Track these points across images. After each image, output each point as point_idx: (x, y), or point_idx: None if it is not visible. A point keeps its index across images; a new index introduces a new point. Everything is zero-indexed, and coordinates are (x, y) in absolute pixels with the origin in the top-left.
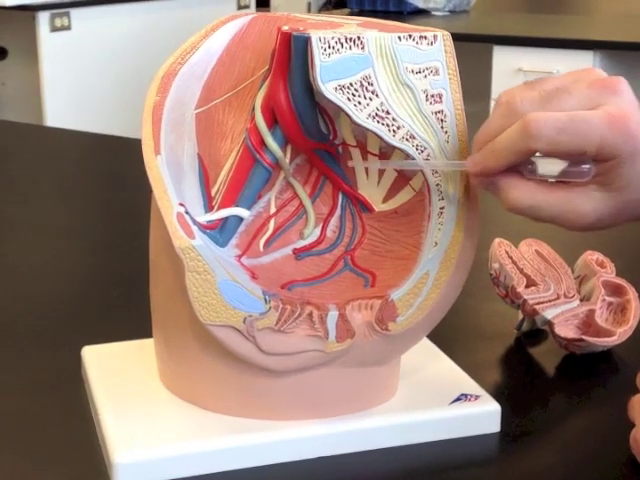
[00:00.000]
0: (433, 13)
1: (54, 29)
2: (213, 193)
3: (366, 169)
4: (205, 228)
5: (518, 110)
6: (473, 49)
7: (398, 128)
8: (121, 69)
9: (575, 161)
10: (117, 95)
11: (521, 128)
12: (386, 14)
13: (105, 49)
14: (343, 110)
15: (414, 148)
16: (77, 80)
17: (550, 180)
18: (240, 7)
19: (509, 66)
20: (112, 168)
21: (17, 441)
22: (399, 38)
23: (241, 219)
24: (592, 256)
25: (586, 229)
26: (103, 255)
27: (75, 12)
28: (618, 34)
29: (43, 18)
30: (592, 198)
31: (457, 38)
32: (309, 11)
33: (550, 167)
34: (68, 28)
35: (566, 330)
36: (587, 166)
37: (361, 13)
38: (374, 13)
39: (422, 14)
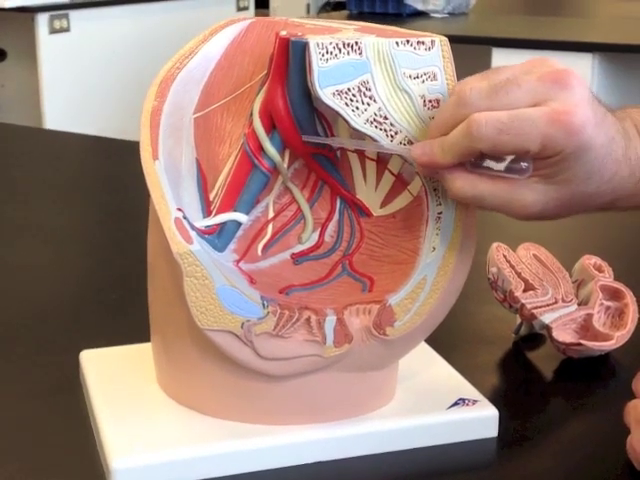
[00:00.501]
0: (432, 15)
1: (53, 31)
2: (211, 198)
3: (364, 174)
4: (203, 233)
5: (467, 101)
6: (472, 51)
7: (396, 133)
8: (120, 71)
9: (517, 157)
10: (116, 97)
11: (465, 129)
12: (385, 16)
13: (104, 51)
14: (341, 115)
15: None
16: (76, 82)
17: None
18: (239, 9)
19: None
20: (111, 171)
21: (15, 446)
22: (397, 43)
23: (239, 224)
24: (590, 260)
25: (531, 219)
26: (101, 258)
27: (74, 14)
28: (617, 36)
29: (42, 20)
30: (534, 190)
31: (456, 40)
32: (308, 12)
33: (493, 161)
34: (67, 30)
35: (564, 334)
36: (525, 164)
37: (360, 15)
38: (373, 15)
39: (421, 16)
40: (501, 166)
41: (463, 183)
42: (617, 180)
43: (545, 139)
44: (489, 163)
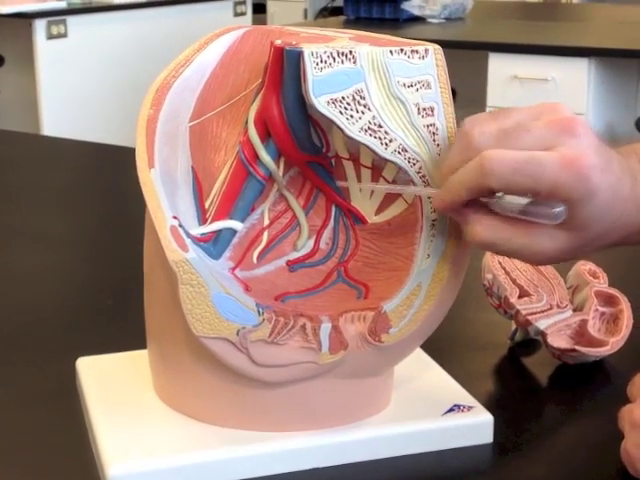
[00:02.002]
0: (429, 20)
1: (51, 37)
2: (207, 205)
3: (358, 180)
4: (199, 241)
5: (475, 145)
6: (469, 56)
7: (390, 141)
8: (117, 76)
9: (543, 201)
10: (113, 102)
11: (477, 165)
12: (382, 21)
13: (101, 57)
14: (335, 124)
15: (406, 161)
16: (73, 87)
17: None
18: (237, 14)
19: (505, 73)
20: (108, 177)
21: (11, 453)
22: (391, 52)
23: (235, 231)
24: (585, 266)
25: (546, 264)
26: (98, 264)
27: (72, 20)
28: (613, 41)
29: (40, 26)
30: (552, 237)
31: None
32: (306, 18)
33: (517, 200)
34: (65, 36)
35: (559, 340)
36: (559, 209)
37: (357, 20)
38: (370, 20)
39: (418, 21)
40: (519, 204)
41: (482, 228)
42: (625, 218)
43: (555, 183)
44: (510, 204)
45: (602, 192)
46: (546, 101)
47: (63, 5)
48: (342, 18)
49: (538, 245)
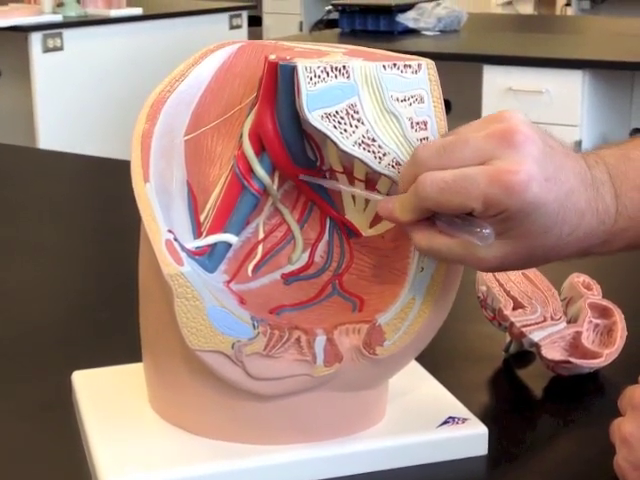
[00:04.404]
0: (423, 33)
1: (47, 50)
2: (202, 219)
3: (353, 195)
4: (194, 254)
5: (418, 160)
6: (463, 68)
7: (384, 155)
8: (114, 90)
9: (474, 222)
10: (109, 115)
11: (414, 188)
12: (377, 34)
13: (98, 70)
14: (329, 138)
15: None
16: (69, 100)
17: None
18: (232, 27)
19: (499, 85)
20: (103, 190)
21: (6, 466)
22: (384, 67)
23: (229, 245)
24: (578, 278)
25: (493, 271)
26: (94, 278)
27: (68, 33)
28: (607, 53)
29: (36, 39)
30: (490, 246)
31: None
32: (301, 30)
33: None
34: (61, 49)
35: (553, 352)
36: (487, 231)
37: (352, 33)
38: (365, 33)
39: (413, 34)
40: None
41: (421, 237)
42: (582, 231)
43: (486, 199)
44: (456, 220)
45: (547, 204)
46: (505, 111)
47: (59, 18)
48: (337, 31)
49: (477, 253)
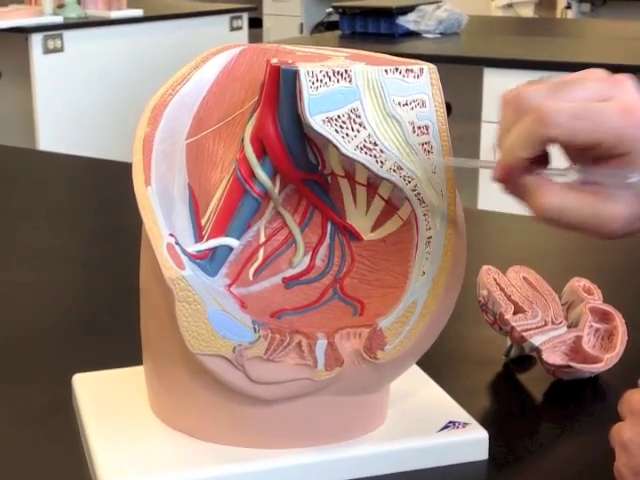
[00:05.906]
0: (424, 36)
1: (47, 51)
2: (203, 223)
3: (354, 199)
4: (195, 258)
5: (527, 103)
6: (464, 71)
7: (385, 159)
8: (114, 91)
9: (613, 168)
10: (110, 117)
11: (535, 117)
12: (378, 36)
13: (98, 71)
14: (331, 142)
15: (401, 179)
16: (70, 102)
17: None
18: (233, 29)
19: (500, 88)
20: (104, 192)
21: (7, 469)
22: (386, 71)
23: (231, 249)
24: (579, 282)
25: (612, 236)
26: (95, 280)
27: (68, 34)
28: (608, 56)
29: (36, 40)
30: (622, 200)
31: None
32: (301, 32)
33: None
34: (61, 50)
35: (554, 356)
36: (636, 178)
37: (353, 35)
38: (366, 35)
39: (413, 36)
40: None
41: (549, 195)
42: None
43: (618, 131)
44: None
45: None
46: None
47: (60, 20)
48: (338, 33)
49: (608, 210)
